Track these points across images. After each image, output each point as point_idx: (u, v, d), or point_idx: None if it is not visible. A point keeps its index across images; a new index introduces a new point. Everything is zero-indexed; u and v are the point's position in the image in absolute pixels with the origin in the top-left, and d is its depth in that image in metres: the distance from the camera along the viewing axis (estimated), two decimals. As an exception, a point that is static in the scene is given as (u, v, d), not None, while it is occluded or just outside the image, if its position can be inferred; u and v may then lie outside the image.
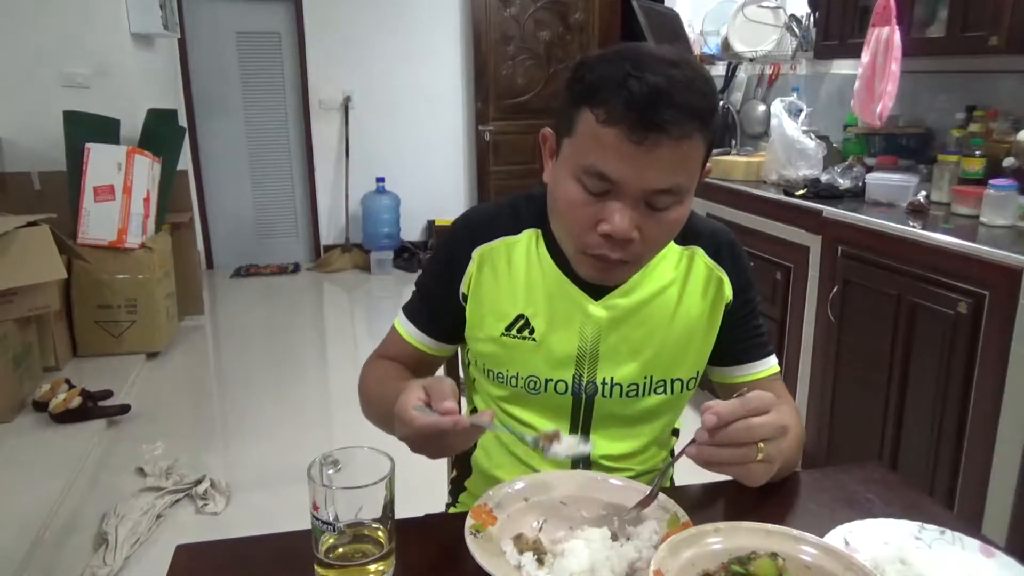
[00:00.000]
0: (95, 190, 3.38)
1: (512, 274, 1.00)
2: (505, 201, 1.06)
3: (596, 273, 0.92)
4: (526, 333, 1.00)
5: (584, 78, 0.84)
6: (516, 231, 1.02)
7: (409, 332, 1.08)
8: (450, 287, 1.03)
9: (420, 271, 1.09)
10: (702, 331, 1.02)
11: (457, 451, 0.86)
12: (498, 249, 1.01)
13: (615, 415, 1.02)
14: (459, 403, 0.86)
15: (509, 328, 1.00)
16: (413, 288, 1.10)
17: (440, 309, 1.05)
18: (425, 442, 0.81)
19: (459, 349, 1.17)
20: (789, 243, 2.42)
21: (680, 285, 1.01)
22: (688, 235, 1.01)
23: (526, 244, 1.01)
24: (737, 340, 1.05)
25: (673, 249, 1.01)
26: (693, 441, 0.78)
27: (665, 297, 1.00)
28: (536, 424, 1.02)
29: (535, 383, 1.01)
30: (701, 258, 1.02)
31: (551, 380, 1.00)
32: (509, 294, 1.00)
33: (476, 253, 1.01)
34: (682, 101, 0.80)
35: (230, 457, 2.78)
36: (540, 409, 1.03)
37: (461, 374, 1.28)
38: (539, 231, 1.01)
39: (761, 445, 0.77)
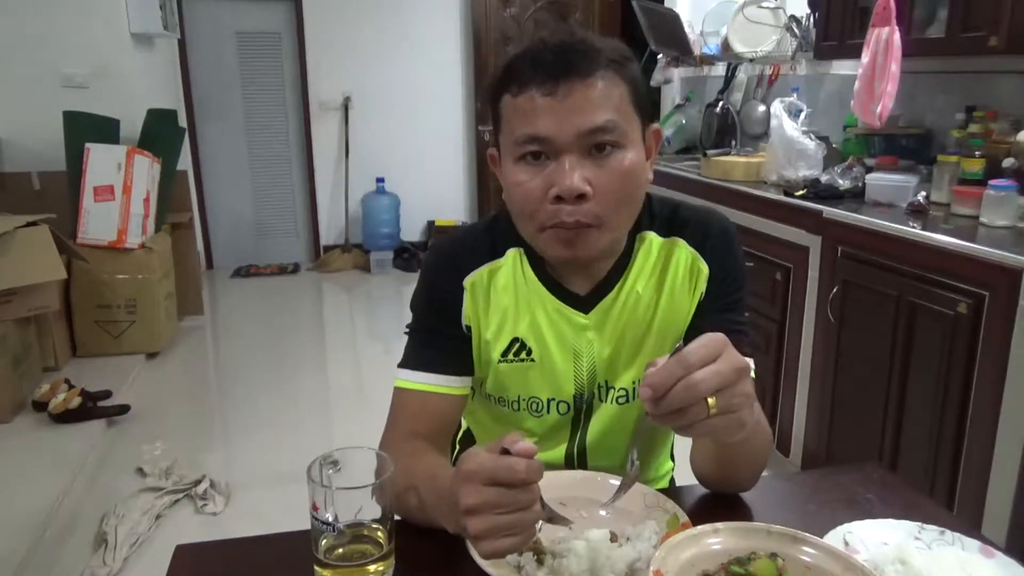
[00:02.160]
0: (95, 190, 3.38)
1: (501, 298, 0.98)
2: (480, 225, 1.02)
3: (561, 246, 0.87)
4: (523, 355, 0.98)
5: (491, 79, 0.90)
6: (500, 254, 0.98)
7: (423, 382, 0.97)
8: (452, 322, 0.98)
9: (410, 323, 1.01)
10: (682, 327, 0.98)
11: (529, 526, 0.68)
12: (483, 275, 0.98)
13: (612, 424, 1.01)
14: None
15: (505, 353, 0.98)
16: (407, 344, 1.00)
17: (450, 345, 0.98)
18: (518, 497, 0.66)
19: None
20: (789, 243, 2.42)
21: (657, 280, 0.97)
22: (674, 226, 0.98)
23: (511, 265, 0.98)
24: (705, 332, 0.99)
25: (655, 242, 0.98)
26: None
27: (645, 295, 0.97)
28: (538, 443, 1.01)
29: (537, 404, 1.00)
30: (682, 249, 0.97)
31: (553, 400, 0.99)
32: (500, 319, 0.98)
33: (467, 283, 0.97)
34: (582, 46, 0.83)
35: (230, 457, 2.78)
36: (541, 426, 1.02)
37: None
38: (521, 250, 0.98)
39: (711, 401, 0.66)
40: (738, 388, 0.68)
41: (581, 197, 0.83)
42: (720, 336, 0.69)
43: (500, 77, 0.87)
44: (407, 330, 1.02)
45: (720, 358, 0.67)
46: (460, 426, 1.17)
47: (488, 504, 0.66)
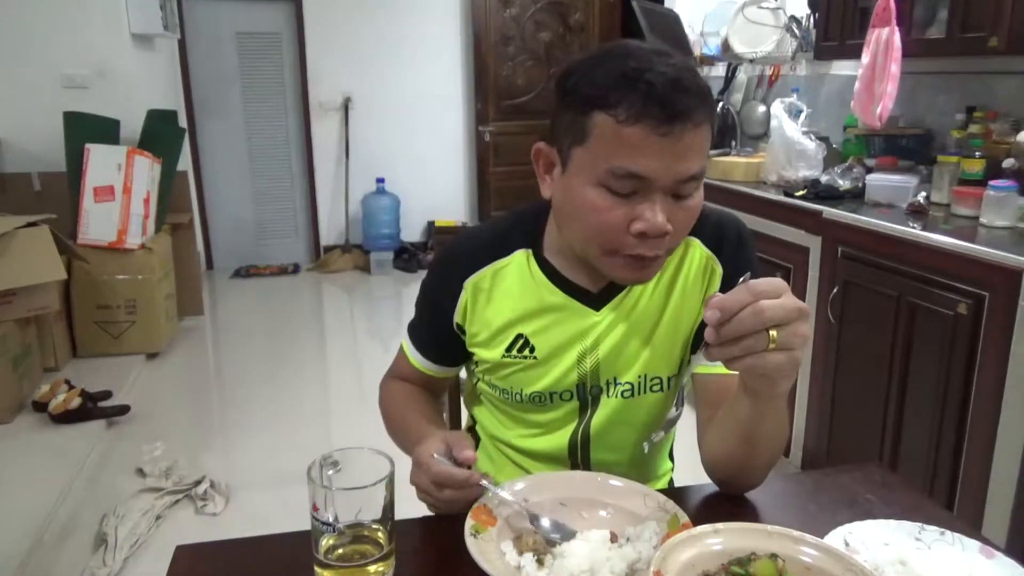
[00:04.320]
0: (95, 191, 3.38)
1: (505, 297, 1.00)
2: (488, 226, 1.06)
3: (631, 274, 0.89)
4: (526, 352, 0.99)
5: (585, 83, 0.83)
6: (505, 253, 1.00)
7: (413, 356, 1.11)
8: (445, 317, 1.03)
9: (419, 293, 1.10)
10: (691, 325, 0.99)
11: (459, 507, 0.84)
12: (487, 275, 1.00)
13: (616, 416, 1.01)
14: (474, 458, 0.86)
15: (509, 349, 1.00)
16: (414, 315, 1.11)
17: (438, 337, 1.06)
18: (434, 490, 0.83)
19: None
20: (789, 244, 2.42)
21: (669, 278, 0.99)
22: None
23: (517, 265, 1.00)
24: None
25: None
26: (706, 345, 0.72)
27: (657, 292, 0.99)
28: (543, 433, 1.04)
29: (540, 398, 1.01)
30: (697, 249, 0.99)
31: (556, 392, 1.01)
32: (504, 316, 1.00)
33: (468, 284, 1.00)
34: (693, 86, 0.80)
35: (230, 458, 2.78)
36: (546, 416, 1.03)
37: (461, 384, 1.29)
38: (530, 251, 1.00)
39: (773, 334, 0.68)
40: (799, 327, 0.71)
41: (663, 234, 0.84)
42: (780, 280, 0.72)
43: (595, 89, 0.81)
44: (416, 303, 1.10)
45: (784, 295, 0.70)
46: (469, 418, 1.20)
47: (419, 487, 0.86)
